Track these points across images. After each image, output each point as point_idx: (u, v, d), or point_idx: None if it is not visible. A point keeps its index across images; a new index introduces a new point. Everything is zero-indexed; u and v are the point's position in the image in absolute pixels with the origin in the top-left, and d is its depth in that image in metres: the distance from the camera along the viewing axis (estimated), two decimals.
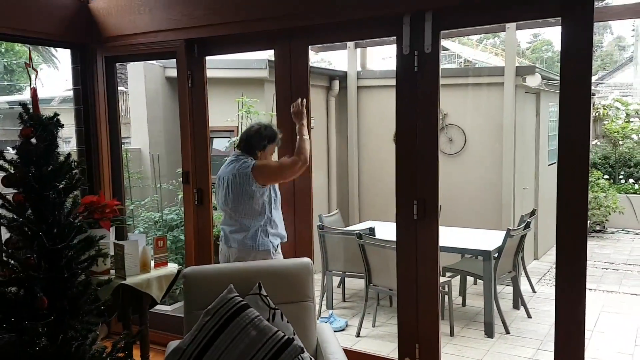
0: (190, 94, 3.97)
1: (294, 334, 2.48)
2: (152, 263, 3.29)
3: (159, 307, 4.33)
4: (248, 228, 3.26)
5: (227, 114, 5.74)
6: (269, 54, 5.95)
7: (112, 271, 3.16)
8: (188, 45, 3.86)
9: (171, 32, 3.85)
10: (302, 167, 3.29)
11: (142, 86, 6.11)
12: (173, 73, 6.25)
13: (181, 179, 5.38)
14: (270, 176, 3.30)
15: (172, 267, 3.36)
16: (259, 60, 5.91)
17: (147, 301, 3.20)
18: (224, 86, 5.83)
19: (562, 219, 2.83)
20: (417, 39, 3.03)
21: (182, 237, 5.12)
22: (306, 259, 2.77)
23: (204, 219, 4.05)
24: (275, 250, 3.33)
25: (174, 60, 4.03)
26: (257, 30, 3.64)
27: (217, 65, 5.66)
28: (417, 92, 3.10)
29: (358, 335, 4.60)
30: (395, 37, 3.10)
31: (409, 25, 3.01)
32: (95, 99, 4.20)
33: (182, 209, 5.46)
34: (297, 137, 3.37)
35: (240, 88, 5.87)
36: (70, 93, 4.33)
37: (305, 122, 3.41)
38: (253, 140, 3.35)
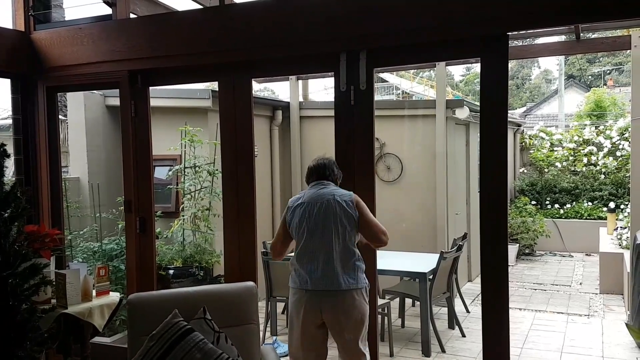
0: (134, 123, 4.03)
1: (238, 356, 2.57)
2: (94, 292, 3.29)
3: (100, 339, 4.27)
4: (343, 262, 2.98)
5: (169, 143, 5.78)
6: (213, 85, 6.09)
7: (53, 301, 3.13)
8: (131, 76, 3.94)
9: (114, 63, 3.92)
10: (384, 243, 3.09)
11: (82, 115, 6.06)
12: (114, 102, 6.24)
13: (122, 208, 5.38)
14: (366, 219, 3.05)
15: (114, 296, 3.37)
16: (202, 90, 6.02)
17: (89, 330, 3.20)
18: (167, 115, 5.88)
19: (485, 243, 3.09)
20: (353, 76, 3.27)
21: (122, 267, 5.08)
22: (250, 283, 2.87)
23: (147, 248, 4.07)
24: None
25: (116, 89, 4.09)
26: (200, 63, 3.78)
27: (161, 94, 5.72)
28: (354, 124, 3.33)
29: None
30: (333, 73, 3.33)
31: (346, 63, 3.24)
32: (36, 128, 4.18)
33: (122, 238, 5.44)
34: None
35: (183, 117, 5.94)
36: (8, 121, 4.28)
37: None
38: (335, 168, 3.21)
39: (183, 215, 5.77)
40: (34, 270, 2.20)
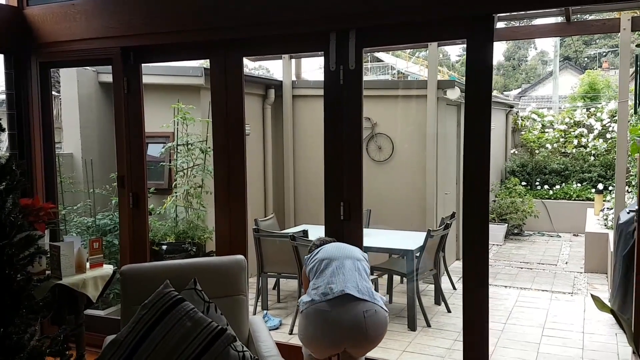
0: (126, 100, 4.08)
1: (227, 325, 2.66)
2: (88, 264, 3.37)
3: (93, 311, 4.38)
4: (369, 282, 2.91)
5: (162, 120, 5.83)
6: (206, 62, 6.11)
7: (48, 272, 3.22)
8: (124, 52, 3.98)
9: (107, 39, 3.95)
10: None
11: (75, 91, 6.09)
12: (107, 78, 6.27)
13: (115, 183, 5.44)
14: None
15: (108, 268, 3.46)
16: (194, 67, 6.04)
17: (83, 301, 3.29)
18: (159, 92, 5.92)
19: (467, 219, 3.19)
20: (342, 56, 3.32)
21: (116, 241, 5.18)
22: (239, 256, 2.96)
23: (140, 222, 4.15)
24: None
25: (109, 65, 4.12)
26: (193, 40, 3.82)
27: (153, 71, 5.75)
28: (343, 104, 3.39)
29: (291, 332, 4.81)
30: (323, 53, 3.38)
31: (335, 42, 3.29)
32: (29, 103, 4.22)
33: (116, 213, 5.52)
34: None
35: (176, 94, 5.98)
36: (1, 97, 4.32)
37: None
38: None
39: (176, 192, 5.85)
40: (30, 240, 2.26)
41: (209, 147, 5.77)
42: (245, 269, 2.93)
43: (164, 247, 5.51)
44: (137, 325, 2.52)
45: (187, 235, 5.67)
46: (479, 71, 3.05)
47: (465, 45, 3.10)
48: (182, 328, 2.51)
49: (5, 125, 4.22)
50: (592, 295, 2.27)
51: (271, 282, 5.84)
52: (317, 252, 3.09)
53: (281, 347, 2.94)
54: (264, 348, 2.69)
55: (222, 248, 3.90)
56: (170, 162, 6.06)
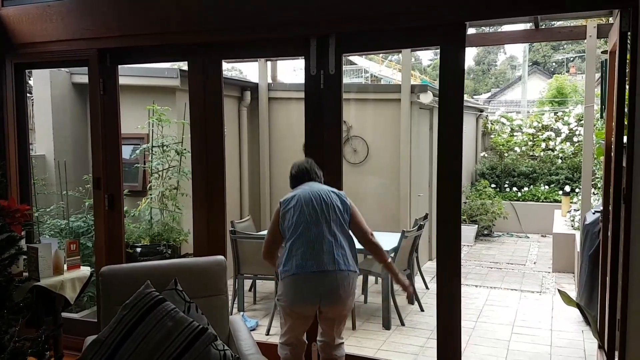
0: (102, 101, 4.07)
1: (208, 325, 2.70)
2: (65, 266, 3.37)
3: (68, 314, 4.35)
4: (346, 246, 3.08)
5: (137, 122, 5.80)
6: (181, 64, 6.11)
7: (25, 274, 3.20)
8: (101, 54, 3.97)
9: (84, 41, 3.94)
10: (369, 243, 3.23)
11: (48, 92, 6.01)
12: (80, 79, 6.21)
13: (88, 185, 5.40)
14: (356, 215, 3.19)
15: (85, 270, 3.46)
16: (170, 69, 6.04)
17: (60, 303, 3.28)
18: (134, 94, 5.89)
19: (441, 223, 3.30)
20: (322, 61, 3.41)
21: (89, 244, 5.14)
22: (220, 257, 3.00)
23: (115, 224, 4.15)
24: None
25: (85, 66, 4.10)
26: (170, 42, 3.84)
27: (128, 72, 5.71)
28: (324, 108, 3.48)
29: (268, 333, 4.86)
30: (304, 57, 3.46)
31: (316, 48, 3.37)
32: (4, 104, 4.18)
33: (89, 216, 5.47)
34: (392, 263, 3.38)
35: (151, 96, 5.95)
36: None
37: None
38: (318, 169, 3.31)
39: (151, 194, 5.82)
40: (11, 241, 2.28)
41: (185, 149, 5.78)
42: (225, 269, 2.97)
43: (138, 249, 5.48)
44: (119, 325, 2.54)
45: (162, 238, 5.66)
46: (451, 76, 3.17)
47: (437, 51, 3.21)
48: (163, 327, 2.54)
49: None
50: (559, 291, 2.39)
51: (247, 283, 5.86)
52: (293, 201, 3.09)
53: (260, 346, 2.99)
54: (245, 346, 2.74)
55: (201, 250, 3.92)
56: (144, 164, 6.04)
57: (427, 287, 6.14)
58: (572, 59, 25.79)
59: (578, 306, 2.14)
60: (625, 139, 2.80)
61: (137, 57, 4.14)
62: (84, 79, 6.18)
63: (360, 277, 5.79)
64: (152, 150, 5.86)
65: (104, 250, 4.09)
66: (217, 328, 2.79)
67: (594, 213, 5.03)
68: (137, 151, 5.91)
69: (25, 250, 2.38)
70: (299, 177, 3.24)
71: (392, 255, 5.05)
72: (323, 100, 3.46)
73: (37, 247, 3.16)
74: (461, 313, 3.42)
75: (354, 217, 3.18)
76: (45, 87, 6.02)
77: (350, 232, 3.15)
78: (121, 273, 2.82)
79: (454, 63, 3.14)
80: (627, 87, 2.81)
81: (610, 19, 5.38)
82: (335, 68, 3.37)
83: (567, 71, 22.39)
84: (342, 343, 3.30)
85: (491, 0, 3.02)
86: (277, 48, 3.67)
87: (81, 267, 3.47)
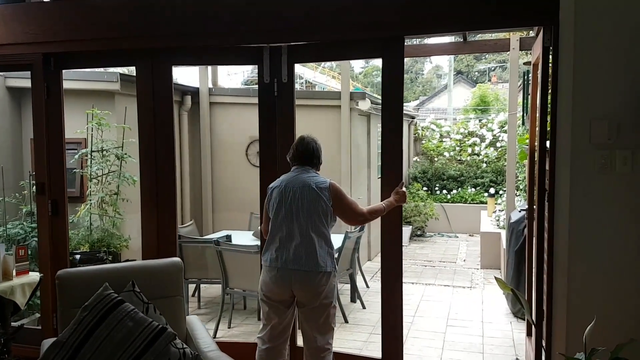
0: (46, 105, 4.02)
1: (167, 324, 2.77)
2: (14, 272, 3.31)
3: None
4: (314, 246, 3.07)
5: (75, 126, 5.69)
6: (122, 68, 6.06)
7: None
8: (45, 58, 3.93)
9: (28, 45, 3.89)
10: (363, 222, 3.22)
11: None
12: (15, 83, 6.03)
13: (25, 191, 5.26)
14: (342, 205, 3.15)
15: (34, 275, 3.42)
16: (110, 73, 5.97)
17: (9, 309, 3.23)
18: (72, 97, 5.73)
19: (385, 225, 3.53)
20: (275, 70, 3.58)
21: (29, 251, 4.99)
22: (176, 259, 3.08)
23: (59, 230, 4.09)
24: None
25: (28, 71, 4.03)
26: (116, 48, 3.85)
27: (67, 76, 5.53)
28: (277, 114, 3.68)
29: (214, 336, 4.91)
30: (256, 66, 3.60)
31: (269, 57, 3.53)
32: None
33: (26, 223, 5.31)
34: (385, 203, 3.33)
35: (89, 100, 5.86)
36: None
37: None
38: (319, 154, 3.29)
39: (90, 200, 5.73)
40: None
41: (125, 154, 5.73)
42: (181, 270, 3.04)
43: (77, 256, 5.37)
44: (79, 327, 2.56)
45: (102, 244, 5.58)
46: (392, 83, 3.45)
47: (370, 60, 3.47)
48: (124, 328, 2.59)
49: None
50: (495, 278, 2.66)
51: (191, 287, 5.88)
52: (275, 192, 3.15)
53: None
54: (203, 344, 2.82)
55: (150, 255, 3.94)
56: (82, 169, 5.92)
57: (367, 286, 6.40)
58: (493, 68, 27.21)
59: (512, 291, 2.40)
60: (548, 143, 3.14)
61: (82, 61, 4.12)
62: (18, 83, 6.01)
63: None
64: (91, 155, 5.76)
65: (48, 256, 4.03)
66: (175, 328, 2.85)
67: (520, 211, 5.45)
68: (76, 156, 5.79)
69: None
70: (298, 155, 3.25)
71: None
72: (276, 106, 3.66)
73: None
74: (403, 307, 3.66)
75: (338, 209, 3.15)
76: None
77: (326, 230, 3.13)
78: (78, 276, 2.84)
79: (395, 72, 3.42)
80: (549, 96, 3.15)
81: (531, 32, 5.87)
82: (287, 77, 3.55)
83: (489, 80, 23.66)
84: (329, 350, 3.22)
85: (428, 18, 3.29)
86: (230, 56, 3.78)
87: (30, 272, 3.42)
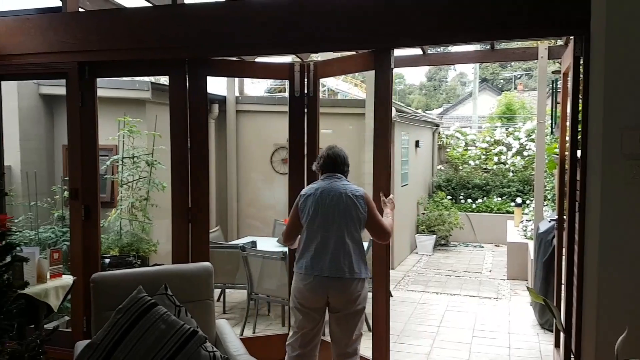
0: (81, 113, 4.13)
1: (198, 328, 2.82)
2: (48, 274, 3.41)
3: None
4: (350, 253, 3.11)
5: (106, 133, 5.83)
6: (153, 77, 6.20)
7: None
8: (80, 67, 4.04)
9: (63, 54, 4.01)
10: (387, 239, 3.30)
11: (15, 103, 5.97)
12: (48, 90, 6.20)
13: (57, 196, 5.40)
14: (372, 215, 3.19)
15: (68, 278, 3.50)
16: (141, 81, 6.11)
17: (43, 311, 3.32)
18: (104, 105, 5.89)
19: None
20: (304, 84, 3.89)
21: None
22: (207, 263, 3.13)
23: (91, 234, 4.19)
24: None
25: (63, 79, 4.14)
26: (151, 58, 3.95)
27: (99, 84, 5.74)
28: (305, 125, 3.97)
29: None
30: (287, 81, 3.91)
31: (300, 73, 3.71)
32: None
33: (57, 227, 5.45)
34: (386, 216, 3.38)
35: (121, 108, 6.01)
36: None
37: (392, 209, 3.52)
38: (348, 162, 3.35)
39: (120, 205, 5.85)
40: (8, 248, 2.34)
41: (155, 160, 5.85)
42: (212, 275, 3.09)
43: (107, 260, 5.50)
44: (113, 329, 2.63)
45: (132, 249, 5.69)
46: (383, 92, 3.60)
47: None
48: (157, 330, 2.64)
49: None
50: (527, 287, 2.65)
51: (216, 292, 5.95)
52: (310, 199, 3.18)
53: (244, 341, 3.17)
54: (232, 348, 2.87)
55: (180, 260, 4.01)
56: (113, 175, 6.06)
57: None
58: (519, 76, 26.96)
59: (544, 300, 2.39)
60: (579, 153, 3.11)
61: (116, 70, 4.23)
62: (52, 90, 6.18)
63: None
64: (122, 162, 5.90)
65: (80, 260, 4.12)
66: (205, 331, 2.90)
67: (549, 221, 5.37)
68: (107, 162, 5.93)
69: (22, 257, 2.44)
70: (329, 163, 3.29)
71: None
72: (305, 118, 3.99)
73: (22, 255, 3.19)
74: (389, 312, 3.87)
75: (370, 215, 3.19)
76: (12, 98, 5.98)
77: (360, 237, 3.18)
78: (112, 279, 2.91)
79: (384, 82, 3.59)
80: (579, 106, 3.13)
81: (560, 41, 5.82)
82: (313, 91, 3.85)
83: (515, 88, 23.43)
84: (357, 355, 3.27)
85: (456, 27, 3.32)
86: (262, 70, 4.11)
87: (63, 275, 3.51)
